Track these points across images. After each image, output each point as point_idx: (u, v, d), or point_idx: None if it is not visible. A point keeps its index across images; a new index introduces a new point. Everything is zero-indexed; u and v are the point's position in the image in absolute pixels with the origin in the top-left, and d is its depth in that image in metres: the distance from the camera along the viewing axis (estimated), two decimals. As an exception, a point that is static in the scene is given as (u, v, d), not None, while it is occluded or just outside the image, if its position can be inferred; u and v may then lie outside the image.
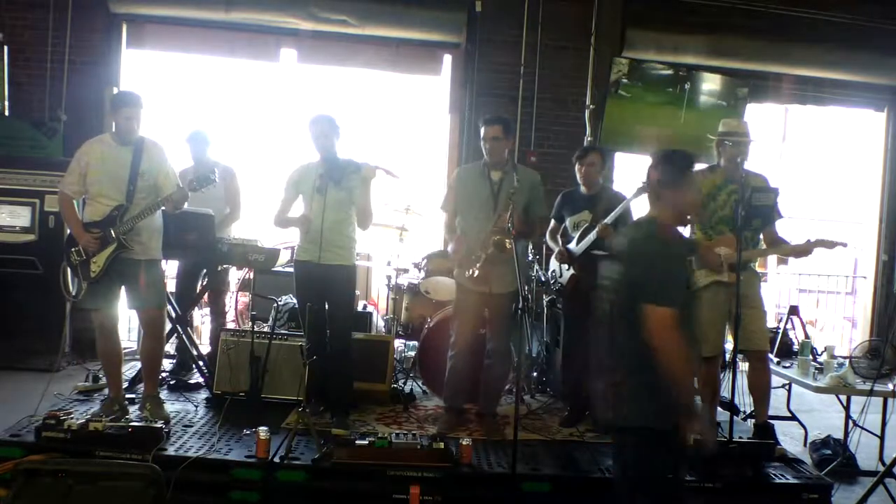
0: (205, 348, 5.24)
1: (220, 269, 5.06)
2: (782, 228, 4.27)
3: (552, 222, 4.72)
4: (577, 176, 4.57)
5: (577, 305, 4.50)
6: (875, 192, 7.53)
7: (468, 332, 4.29)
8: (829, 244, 3.98)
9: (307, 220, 4.16)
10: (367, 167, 4.16)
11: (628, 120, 6.67)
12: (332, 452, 3.57)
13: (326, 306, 4.22)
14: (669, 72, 6.70)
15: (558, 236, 4.68)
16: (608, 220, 4.21)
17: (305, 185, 4.21)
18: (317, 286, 4.17)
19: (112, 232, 3.97)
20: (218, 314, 5.35)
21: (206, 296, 5.31)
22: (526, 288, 4.97)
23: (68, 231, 4.17)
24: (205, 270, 5.14)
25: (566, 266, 4.52)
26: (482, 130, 4.15)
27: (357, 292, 5.95)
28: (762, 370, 4.27)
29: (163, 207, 4.03)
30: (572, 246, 4.47)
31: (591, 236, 4.29)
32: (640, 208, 4.33)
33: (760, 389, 4.26)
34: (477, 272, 4.04)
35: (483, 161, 4.24)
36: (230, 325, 5.26)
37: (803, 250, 4.06)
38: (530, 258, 5.45)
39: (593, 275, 4.37)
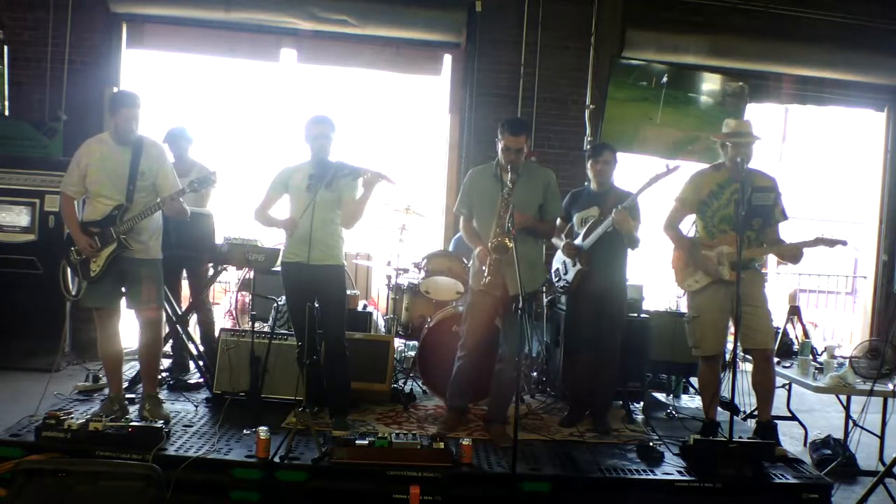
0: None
1: (199, 265, 5.04)
2: (785, 230, 4.27)
3: (558, 221, 4.69)
4: (590, 173, 4.55)
5: (582, 302, 4.49)
6: (875, 192, 7.54)
7: (480, 333, 4.21)
8: (830, 242, 4.00)
9: (293, 224, 4.12)
10: (371, 174, 4.08)
11: (628, 120, 6.68)
12: (332, 452, 3.57)
13: (317, 306, 4.21)
14: (667, 70, 6.72)
15: (563, 234, 4.66)
16: (624, 204, 4.19)
17: (294, 184, 4.17)
18: (307, 287, 4.13)
19: (112, 231, 3.97)
20: (200, 308, 5.29)
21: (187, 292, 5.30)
22: (543, 288, 4.95)
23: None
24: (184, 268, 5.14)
25: (572, 263, 4.50)
26: (505, 137, 4.03)
27: (356, 292, 5.98)
28: (766, 369, 4.24)
29: (162, 209, 4.03)
30: (579, 241, 4.45)
31: (601, 229, 4.28)
32: (650, 199, 4.34)
33: (764, 389, 4.25)
34: (488, 279, 4.00)
35: (496, 162, 4.18)
36: (228, 325, 5.25)
37: (803, 247, 4.07)
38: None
39: (601, 269, 4.40)
